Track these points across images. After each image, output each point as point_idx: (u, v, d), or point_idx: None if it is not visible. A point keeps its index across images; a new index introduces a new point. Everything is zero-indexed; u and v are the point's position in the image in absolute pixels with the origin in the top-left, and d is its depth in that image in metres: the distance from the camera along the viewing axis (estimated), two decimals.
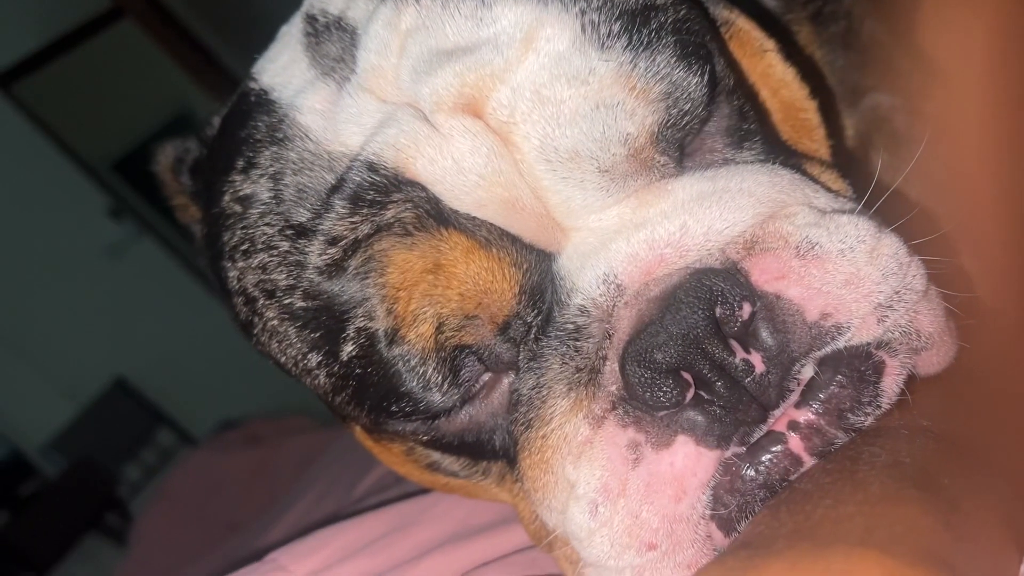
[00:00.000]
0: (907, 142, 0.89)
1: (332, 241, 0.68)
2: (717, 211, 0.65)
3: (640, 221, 0.66)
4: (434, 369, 0.68)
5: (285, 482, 1.88)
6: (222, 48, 4.90)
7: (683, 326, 0.61)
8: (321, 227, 0.68)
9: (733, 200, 0.66)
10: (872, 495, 0.55)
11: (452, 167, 0.66)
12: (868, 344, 0.63)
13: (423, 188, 0.66)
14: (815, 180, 0.73)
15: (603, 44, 0.66)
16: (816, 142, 0.79)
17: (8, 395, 4.90)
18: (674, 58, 0.67)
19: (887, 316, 0.63)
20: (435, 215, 0.66)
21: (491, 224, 0.66)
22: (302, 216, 0.70)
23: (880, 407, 0.63)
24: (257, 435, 2.45)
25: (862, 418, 0.63)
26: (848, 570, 0.47)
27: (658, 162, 0.67)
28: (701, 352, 0.61)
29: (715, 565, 0.55)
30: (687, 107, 0.67)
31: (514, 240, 0.67)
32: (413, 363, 0.68)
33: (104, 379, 5.07)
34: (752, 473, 0.62)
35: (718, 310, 0.61)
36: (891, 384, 0.64)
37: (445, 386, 0.68)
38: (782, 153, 0.74)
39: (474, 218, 0.66)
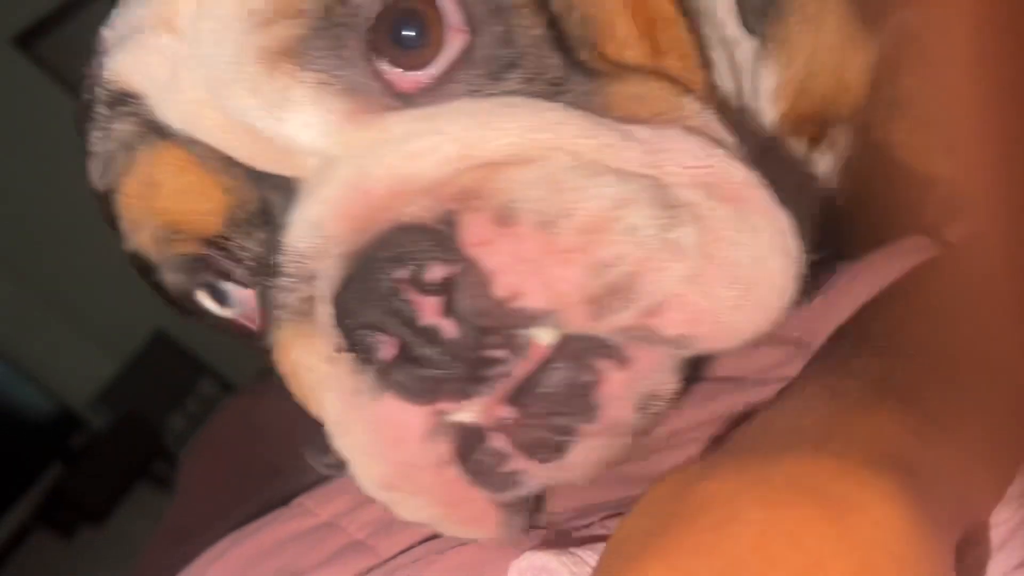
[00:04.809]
0: (936, 61, 0.84)
1: (101, 162, 0.71)
2: (412, 157, 0.58)
3: (340, 161, 0.61)
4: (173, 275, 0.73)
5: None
6: None
7: (371, 285, 0.56)
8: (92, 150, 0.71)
9: (442, 145, 0.58)
10: (845, 405, 0.53)
11: (158, 83, 0.66)
12: (587, 338, 0.57)
13: (145, 103, 0.67)
14: (629, 118, 0.61)
15: None
16: (684, 63, 0.69)
17: (53, 353, 5.02)
18: None
19: (604, 311, 0.54)
20: (156, 130, 0.67)
21: (206, 144, 0.65)
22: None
23: (594, 419, 0.58)
24: None
25: (575, 424, 0.59)
26: (795, 472, 0.45)
27: (304, 79, 0.61)
28: (391, 312, 0.56)
29: (675, 474, 0.51)
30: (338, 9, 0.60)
31: (232, 163, 0.65)
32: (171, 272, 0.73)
33: (144, 332, 5.16)
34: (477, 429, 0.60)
35: (405, 271, 0.55)
36: (611, 395, 0.58)
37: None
38: (584, 79, 0.63)
39: (191, 136, 0.66)
